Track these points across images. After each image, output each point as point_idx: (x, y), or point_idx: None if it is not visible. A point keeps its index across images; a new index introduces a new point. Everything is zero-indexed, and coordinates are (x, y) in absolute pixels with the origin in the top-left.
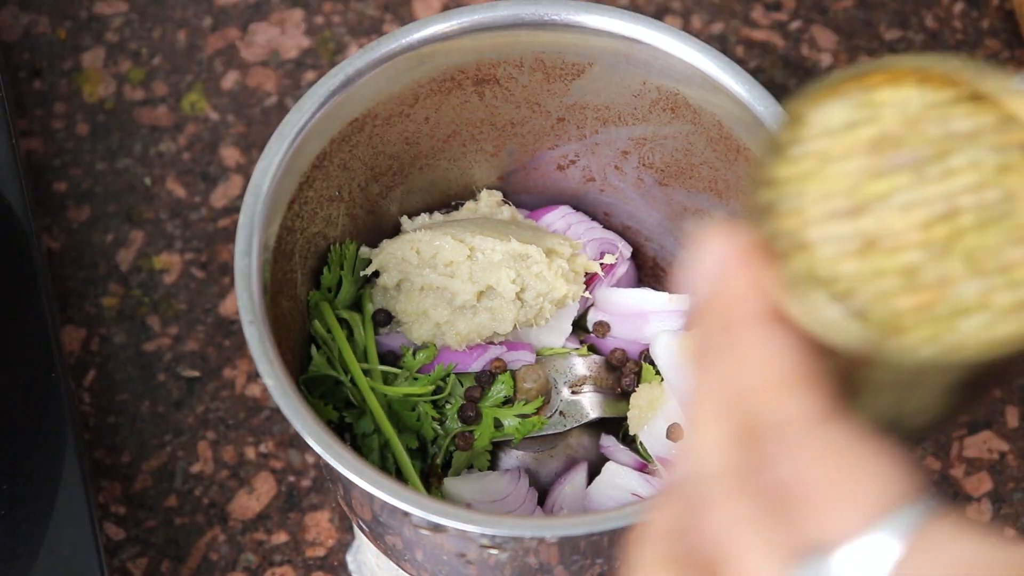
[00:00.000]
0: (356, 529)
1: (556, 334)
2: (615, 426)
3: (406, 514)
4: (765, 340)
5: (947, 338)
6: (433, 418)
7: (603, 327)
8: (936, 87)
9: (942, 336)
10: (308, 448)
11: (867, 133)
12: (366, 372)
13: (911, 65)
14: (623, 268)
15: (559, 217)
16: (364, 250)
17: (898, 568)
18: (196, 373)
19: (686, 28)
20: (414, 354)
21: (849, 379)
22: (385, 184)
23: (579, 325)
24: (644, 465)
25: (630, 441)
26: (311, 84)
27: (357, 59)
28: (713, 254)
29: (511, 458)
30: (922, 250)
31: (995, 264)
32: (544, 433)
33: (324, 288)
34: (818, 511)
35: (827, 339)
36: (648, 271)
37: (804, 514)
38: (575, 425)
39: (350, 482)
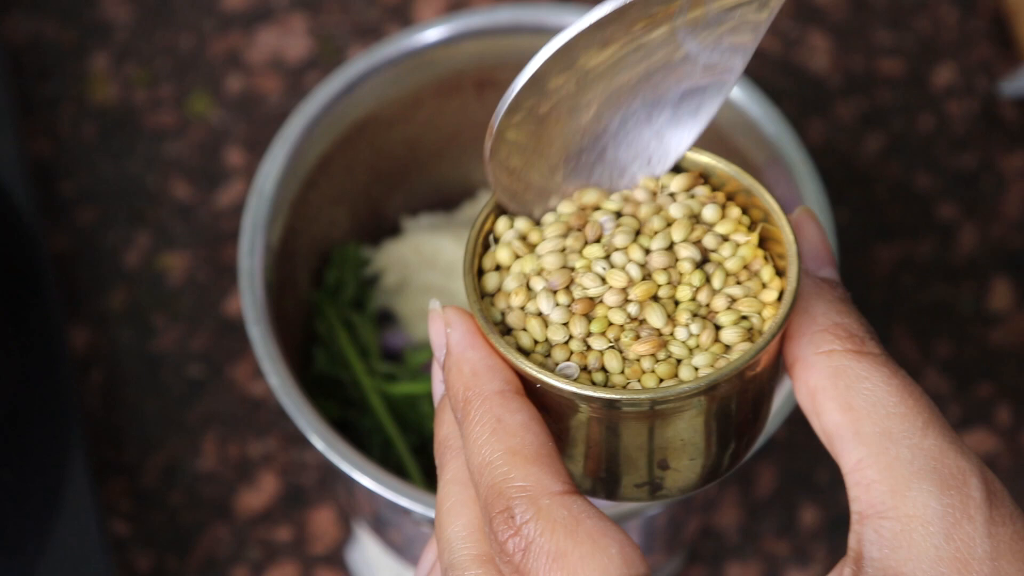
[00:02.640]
0: (357, 526)
1: None
2: None
3: (407, 511)
4: (506, 413)
5: (672, 381)
6: None
7: None
8: None
9: (668, 380)
10: (311, 446)
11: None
12: (368, 371)
13: None
14: None
15: None
16: (366, 250)
17: None
18: (201, 372)
19: None
20: (416, 353)
21: (600, 458)
22: (387, 185)
23: None
24: None
25: None
26: (314, 87)
27: (359, 63)
28: (440, 336)
29: None
30: (626, 310)
31: (692, 311)
32: None
33: (327, 288)
34: None
35: (568, 393)
36: None
37: None
38: None
39: (352, 479)
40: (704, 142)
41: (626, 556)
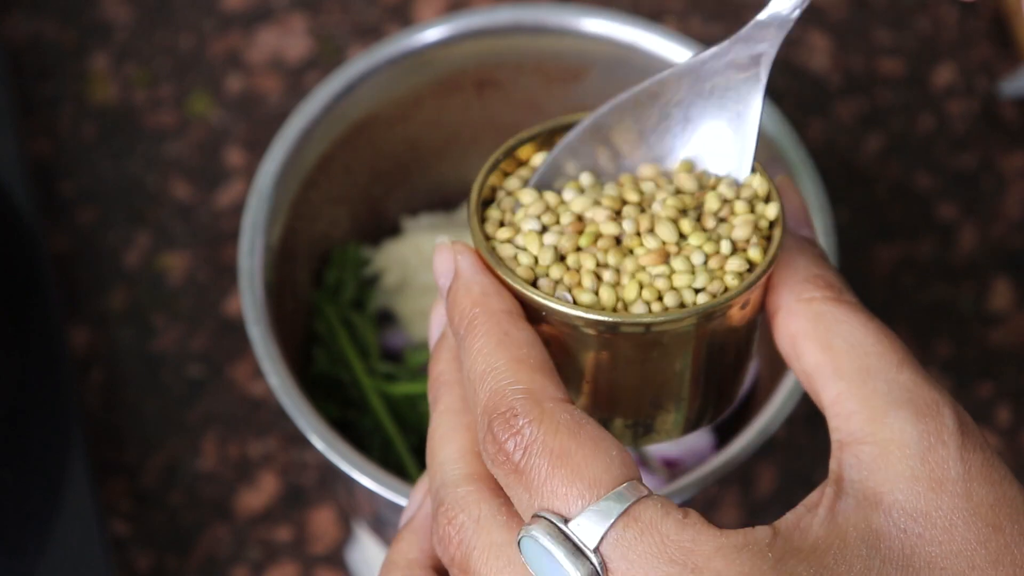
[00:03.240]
0: (357, 526)
1: None
2: None
3: None
4: (513, 329)
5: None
6: None
7: None
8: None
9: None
10: (311, 446)
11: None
12: (368, 371)
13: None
14: None
15: None
16: (366, 250)
17: (605, 544)
18: (201, 372)
19: (684, 31)
20: (416, 353)
21: (595, 393)
22: (387, 185)
23: None
24: (643, 463)
25: None
26: (314, 87)
27: (359, 63)
28: (448, 264)
29: None
30: (613, 241)
31: (703, 240)
32: None
33: (327, 288)
34: (551, 482)
35: (571, 318)
36: None
37: (540, 487)
38: None
39: (352, 479)
40: None
41: (624, 459)
